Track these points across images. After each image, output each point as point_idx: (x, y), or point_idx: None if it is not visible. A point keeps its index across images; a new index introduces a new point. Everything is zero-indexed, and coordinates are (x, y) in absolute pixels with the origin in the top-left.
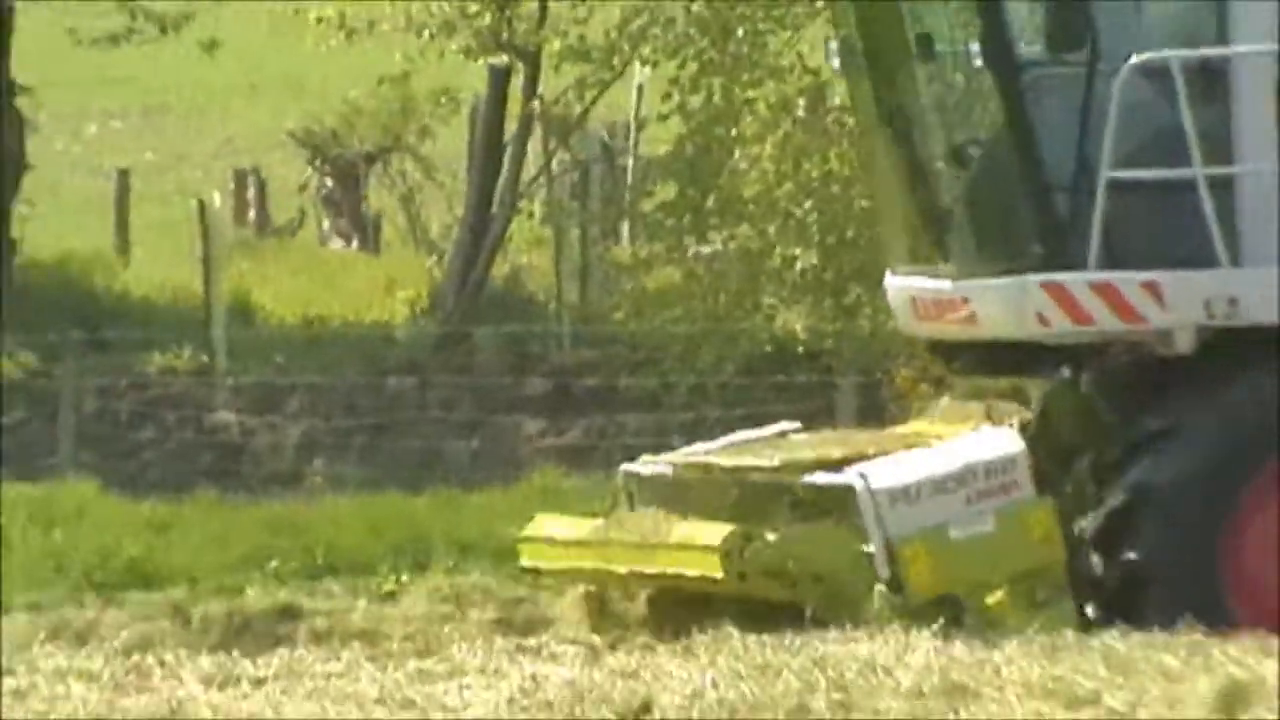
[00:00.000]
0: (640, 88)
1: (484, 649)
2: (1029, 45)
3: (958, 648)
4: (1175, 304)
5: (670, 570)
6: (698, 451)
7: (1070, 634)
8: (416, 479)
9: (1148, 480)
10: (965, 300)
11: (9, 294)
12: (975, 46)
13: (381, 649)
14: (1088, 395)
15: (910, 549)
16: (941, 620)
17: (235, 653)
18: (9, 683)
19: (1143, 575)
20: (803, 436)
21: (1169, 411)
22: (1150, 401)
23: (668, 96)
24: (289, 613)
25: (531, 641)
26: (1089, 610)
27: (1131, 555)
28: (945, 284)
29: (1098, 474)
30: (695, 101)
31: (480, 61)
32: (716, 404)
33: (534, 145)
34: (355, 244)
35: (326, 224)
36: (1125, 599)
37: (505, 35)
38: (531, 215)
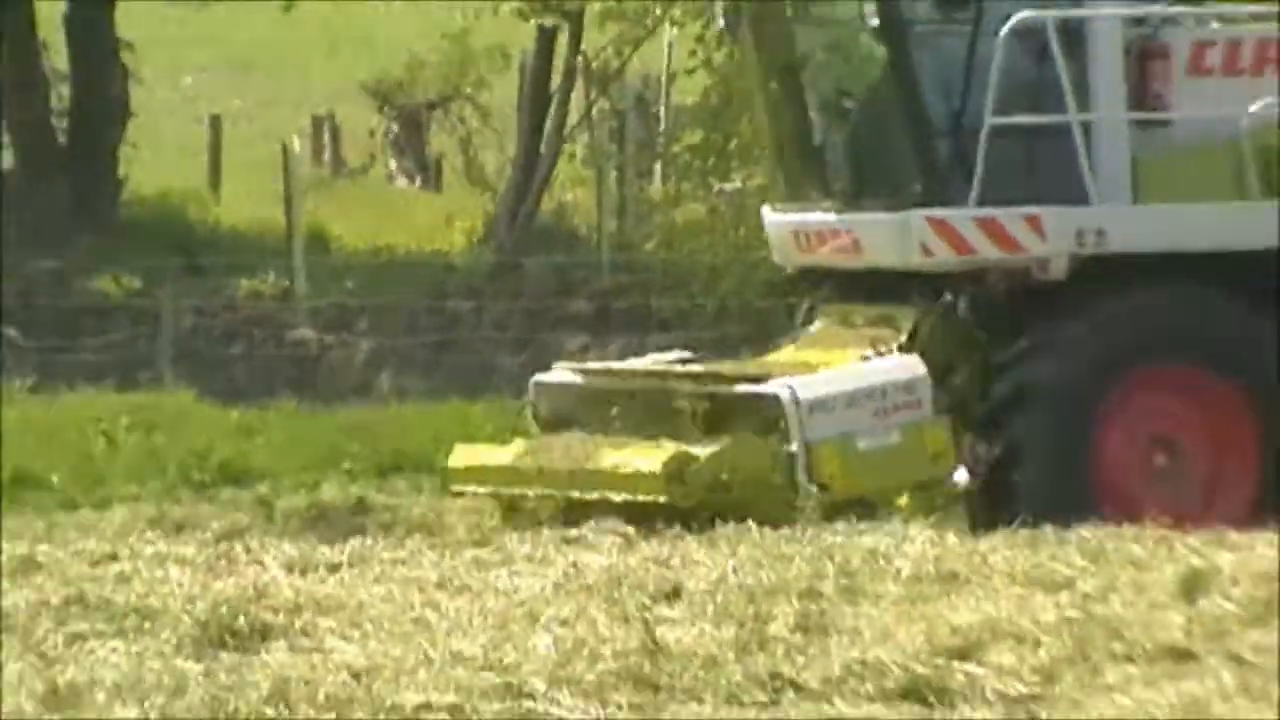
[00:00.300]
0: (670, 45)
1: (532, 539)
2: (916, 3)
3: (950, 539)
4: (1053, 235)
5: (612, 496)
6: (604, 368)
7: (1049, 527)
8: (473, 389)
9: (1026, 381)
10: (850, 232)
11: (116, 225)
12: (870, 6)
13: (441, 539)
14: (963, 319)
15: (825, 453)
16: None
17: (312, 541)
18: (114, 567)
19: (1017, 461)
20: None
21: (1045, 327)
22: (1028, 320)
23: (693, 53)
24: (360, 506)
25: (573, 532)
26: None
27: (1009, 444)
28: (830, 217)
29: (977, 383)
30: (719, 57)
31: (530, 21)
32: (738, 324)
33: (577, 95)
34: (419, 182)
35: (393, 165)
36: (1000, 482)
37: None
38: (574, 157)
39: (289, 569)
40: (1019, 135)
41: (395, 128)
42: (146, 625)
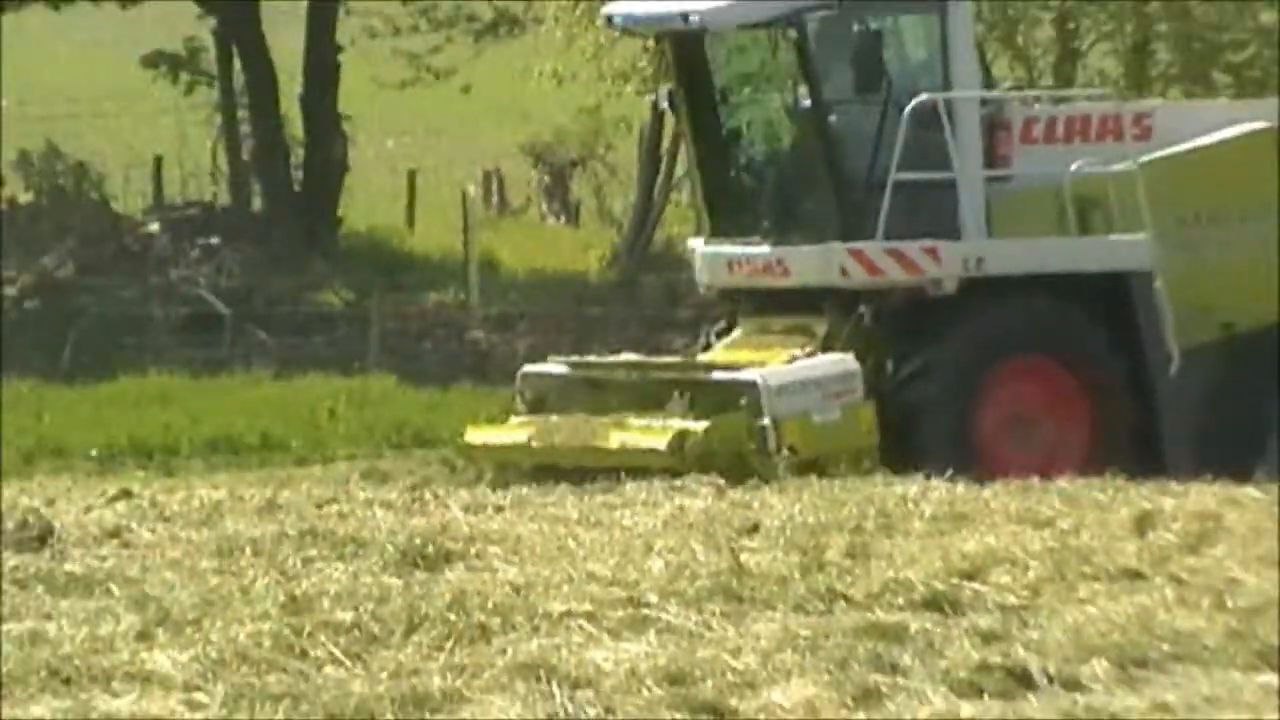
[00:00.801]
0: None
1: (646, 487)
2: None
3: (960, 488)
4: (946, 262)
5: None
6: (581, 361)
7: (1036, 479)
8: None
9: (924, 366)
10: (780, 260)
11: (337, 253)
12: (802, 89)
13: (582, 487)
14: (868, 325)
15: (789, 426)
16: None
17: (483, 489)
18: (335, 508)
19: (917, 427)
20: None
21: (938, 331)
22: (924, 326)
23: None
24: None
25: (678, 482)
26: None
27: (910, 414)
28: (764, 249)
29: (880, 376)
30: None
31: (646, 97)
32: None
33: (681, 155)
34: (563, 220)
35: (544, 207)
36: (905, 443)
37: (662, 80)
38: (679, 203)
39: (465, 509)
40: (912, 187)
41: (546, 179)
42: (360, 551)
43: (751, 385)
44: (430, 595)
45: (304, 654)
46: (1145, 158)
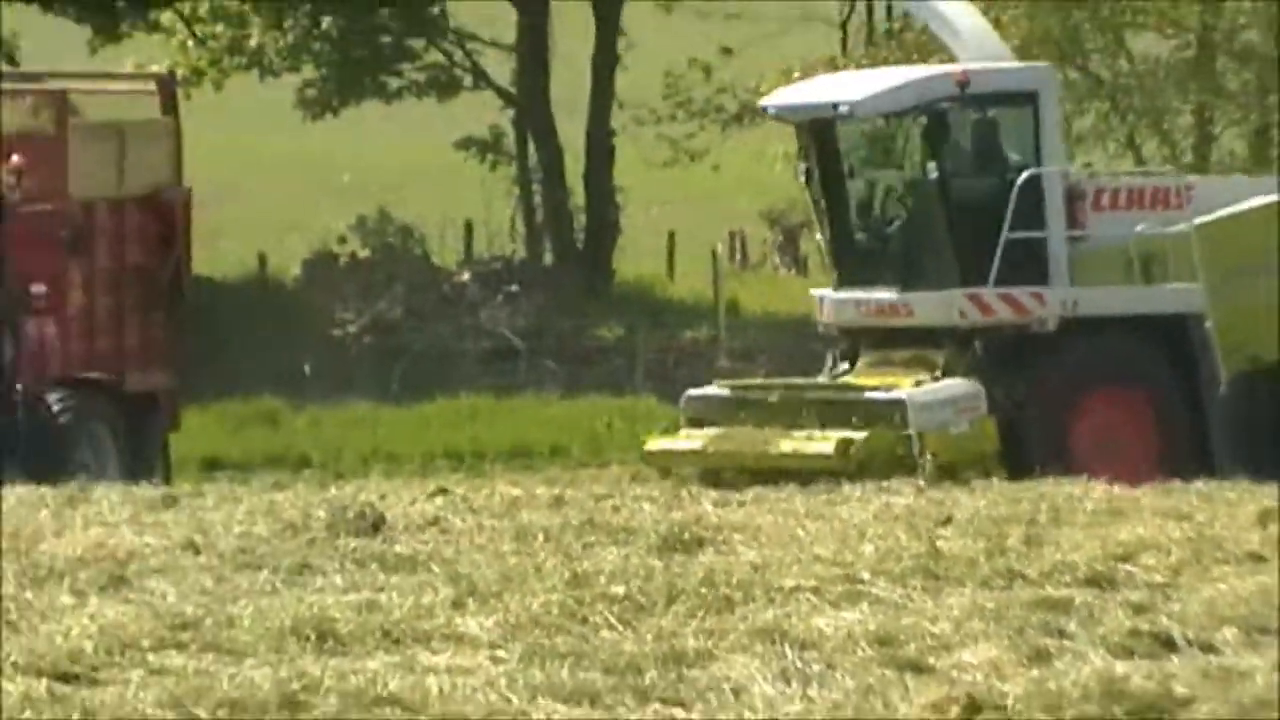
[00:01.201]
0: None
1: (860, 487)
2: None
3: (1115, 488)
4: (1050, 304)
5: (790, 469)
6: (739, 384)
7: (1177, 480)
8: None
9: (1032, 391)
10: (906, 304)
11: (610, 298)
12: (928, 164)
13: (807, 490)
14: (980, 357)
15: (930, 437)
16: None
17: (728, 488)
18: (610, 502)
19: (1026, 440)
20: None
21: (1040, 361)
22: (1027, 358)
23: None
24: None
25: (885, 483)
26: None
27: (1021, 429)
28: (891, 295)
29: (992, 398)
30: None
31: None
32: None
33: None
34: (794, 271)
35: (778, 260)
36: (1017, 452)
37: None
38: None
39: (714, 504)
40: (1020, 243)
41: (780, 238)
42: (629, 538)
43: (900, 403)
44: (686, 573)
45: (584, 620)
46: (1199, 220)
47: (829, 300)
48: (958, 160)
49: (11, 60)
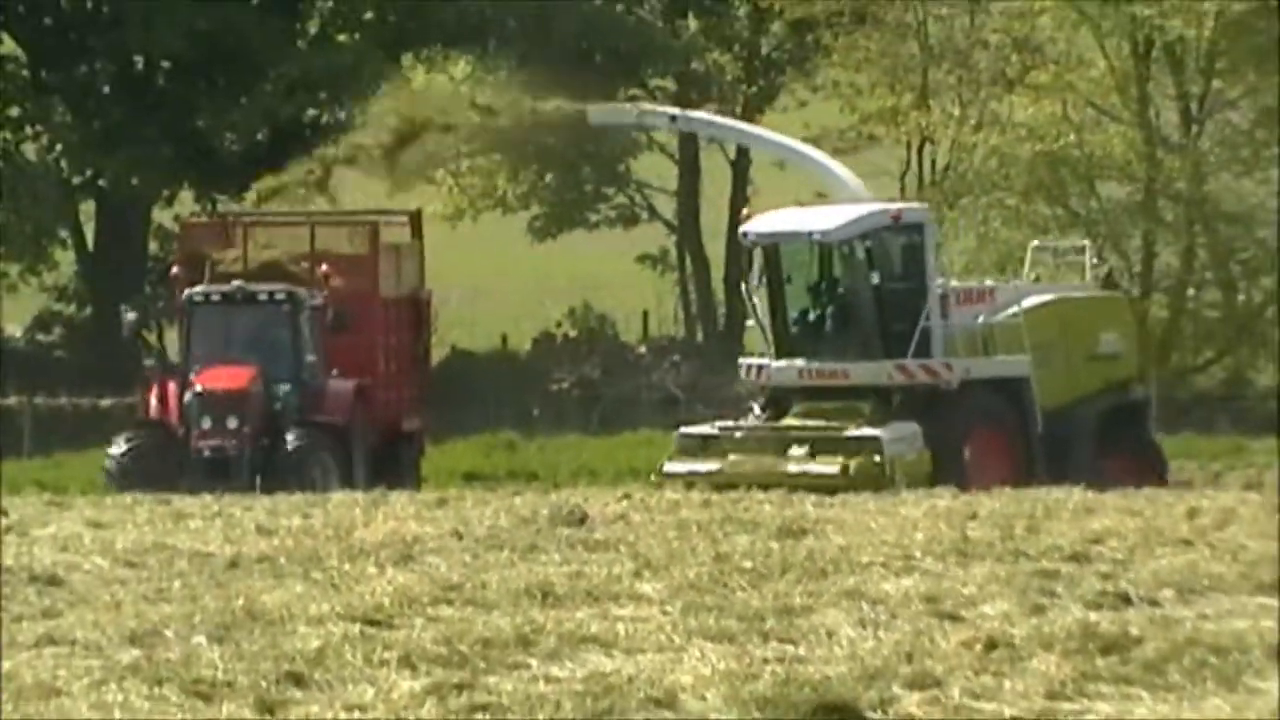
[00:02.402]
0: None
1: (913, 494)
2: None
3: (1090, 494)
4: (955, 370)
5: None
6: (723, 425)
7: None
8: None
9: (939, 430)
10: (845, 370)
11: None
12: (872, 274)
13: (879, 495)
14: (896, 407)
15: (899, 462)
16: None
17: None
18: (740, 504)
19: (941, 463)
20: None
21: (945, 409)
22: (939, 408)
23: None
24: None
25: (934, 490)
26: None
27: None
28: (831, 364)
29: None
30: None
31: None
32: None
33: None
34: None
35: None
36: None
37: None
38: None
39: (813, 505)
40: (923, 329)
41: None
42: (754, 528)
43: (876, 438)
44: (794, 552)
45: (725, 585)
46: (1026, 305)
47: (769, 367)
48: (887, 270)
49: (332, 199)
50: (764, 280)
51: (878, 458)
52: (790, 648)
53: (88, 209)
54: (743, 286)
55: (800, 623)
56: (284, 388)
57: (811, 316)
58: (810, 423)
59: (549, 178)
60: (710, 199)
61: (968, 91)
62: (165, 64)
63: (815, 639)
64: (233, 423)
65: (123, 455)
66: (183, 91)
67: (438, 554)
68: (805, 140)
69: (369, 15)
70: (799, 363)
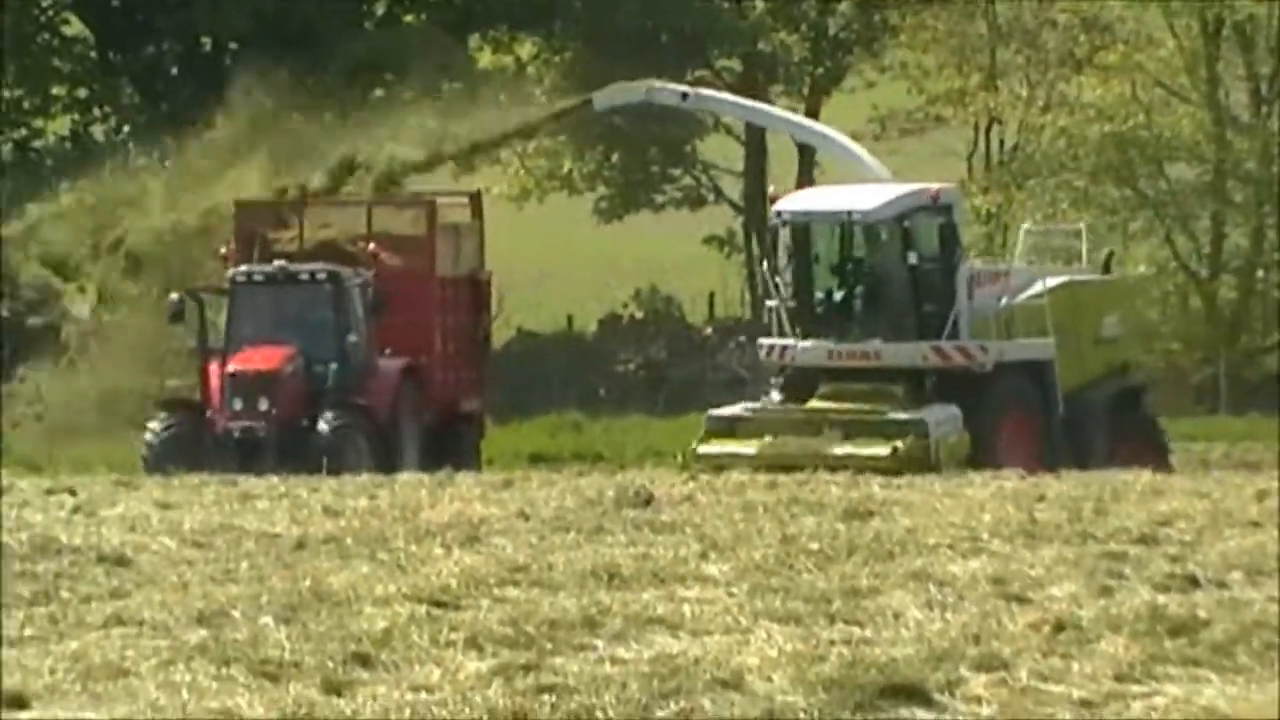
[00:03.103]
0: None
1: (979, 475)
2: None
3: (1158, 476)
4: (990, 353)
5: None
6: (752, 406)
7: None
8: None
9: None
10: (876, 352)
11: None
12: (910, 254)
13: (944, 477)
14: (930, 389)
15: (943, 444)
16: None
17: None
18: (806, 486)
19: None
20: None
21: (978, 391)
22: (974, 389)
23: None
24: None
25: (1003, 472)
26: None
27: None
28: (860, 345)
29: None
30: None
31: None
32: None
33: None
34: None
35: None
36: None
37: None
38: None
39: (880, 486)
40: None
41: None
42: (819, 509)
43: (923, 421)
44: (860, 534)
45: (791, 566)
46: (1051, 283)
47: (794, 347)
48: (922, 251)
49: (395, 182)
50: (791, 259)
51: (924, 440)
52: (857, 629)
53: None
54: (763, 265)
55: (867, 604)
56: (323, 368)
57: (841, 296)
58: (850, 405)
59: (615, 158)
60: (777, 179)
61: (1036, 72)
62: (232, 45)
63: (882, 621)
64: (264, 404)
65: (158, 437)
66: (249, 73)
67: (504, 535)
68: (873, 121)
69: None
70: (828, 343)
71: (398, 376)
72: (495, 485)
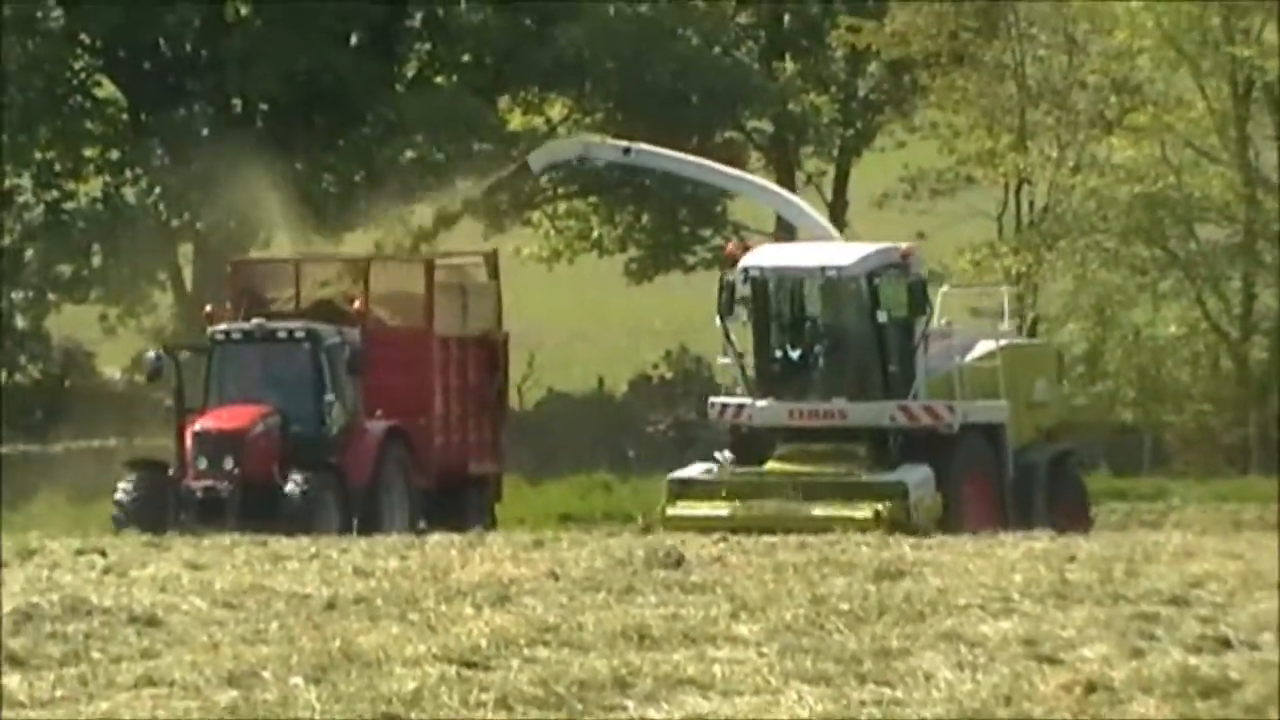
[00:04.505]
0: None
1: (1011, 537)
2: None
3: (1189, 537)
4: (956, 414)
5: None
6: (709, 468)
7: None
8: None
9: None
10: (841, 411)
11: None
12: (879, 312)
13: (975, 537)
14: (894, 451)
15: (919, 503)
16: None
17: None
18: (837, 546)
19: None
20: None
21: (943, 452)
22: (935, 452)
23: None
24: None
25: (1031, 533)
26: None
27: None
28: (824, 404)
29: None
30: None
31: None
32: None
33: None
34: None
35: None
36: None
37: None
38: None
39: (911, 547)
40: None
41: None
42: (851, 570)
43: (901, 483)
44: (891, 594)
45: (821, 627)
46: (1003, 343)
47: (751, 407)
48: (889, 309)
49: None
50: (752, 316)
51: (904, 501)
52: (888, 690)
53: (186, 252)
54: (718, 322)
55: (898, 665)
56: (299, 428)
57: (804, 354)
58: (818, 468)
59: (645, 219)
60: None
61: (1066, 133)
62: (263, 107)
63: (913, 681)
64: (228, 463)
65: (127, 497)
66: (280, 134)
67: (534, 595)
68: (903, 181)
69: (466, 58)
70: (788, 403)
71: (381, 438)
72: (525, 545)
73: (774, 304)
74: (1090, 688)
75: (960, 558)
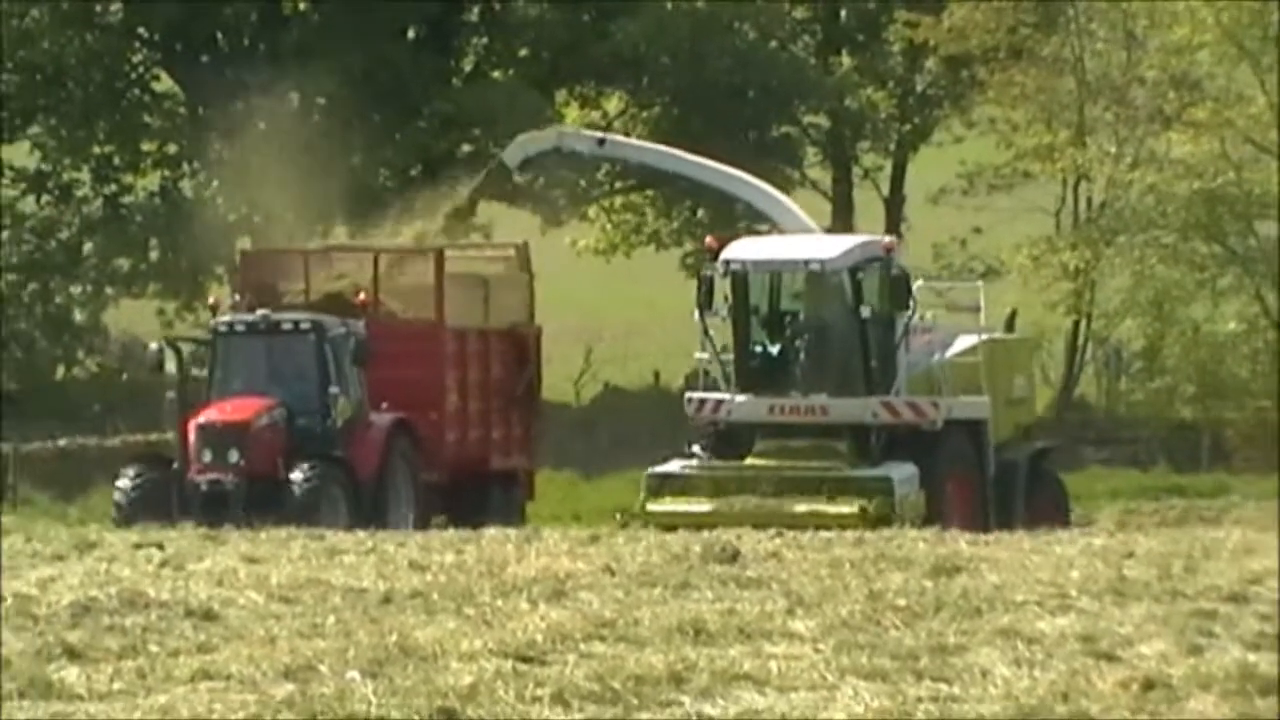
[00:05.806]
0: None
1: (1061, 534)
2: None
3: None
4: (940, 410)
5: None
6: (687, 464)
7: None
8: None
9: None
10: (822, 407)
11: None
12: (862, 307)
13: (1031, 533)
14: (875, 447)
15: (904, 499)
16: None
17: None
18: (894, 542)
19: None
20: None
21: (926, 449)
22: (921, 444)
23: None
24: None
25: (1089, 528)
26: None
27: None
28: (805, 399)
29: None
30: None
31: None
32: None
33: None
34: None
35: None
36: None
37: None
38: None
39: (968, 544)
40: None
41: None
42: (908, 566)
43: (886, 479)
44: (948, 590)
45: (878, 623)
46: (985, 338)
47: (729, 402)
48: (871, 303)
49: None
50: (731, 310)
51: (890, 498)
52: (944, 687)
53: (244, 245)
54: (696, 316)
55: (954, 661)
56: (303, 420)
57: (784, 349)
58: (801, 463)
59: (700, 213)
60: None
61: (1124, 128)
62: (320, 100)
63: (969, 678)
64: (233, 456)
65: (129, 490)
66: (338, 128)
67: (590, 590)
68: (961, 176)
69: (523, 52)
70: (769, 398)
71: (387, 431)
72: (582, 540)
73: (754, 297)
74: (1148, 685)
75: (1017, 554)
